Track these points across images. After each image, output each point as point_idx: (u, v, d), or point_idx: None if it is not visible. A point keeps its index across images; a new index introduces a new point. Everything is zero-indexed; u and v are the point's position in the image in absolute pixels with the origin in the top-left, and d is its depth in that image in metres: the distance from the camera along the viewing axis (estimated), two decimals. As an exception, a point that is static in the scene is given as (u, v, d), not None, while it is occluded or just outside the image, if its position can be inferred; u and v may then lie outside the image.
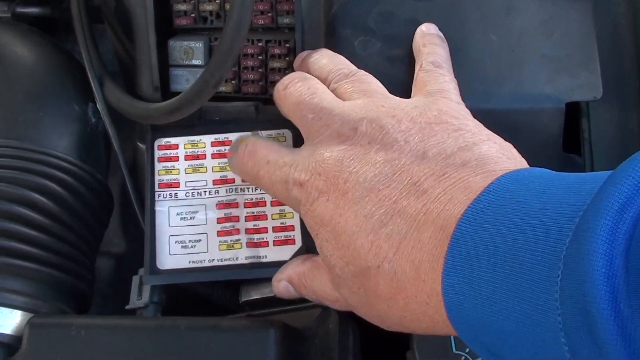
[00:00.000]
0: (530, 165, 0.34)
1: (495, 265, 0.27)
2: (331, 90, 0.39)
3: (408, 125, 0.34)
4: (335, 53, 0.41)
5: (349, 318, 0.39)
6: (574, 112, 0.42)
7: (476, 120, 0.36)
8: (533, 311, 0.25)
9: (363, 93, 0.37)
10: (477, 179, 0.30)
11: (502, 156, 0.33)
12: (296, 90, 0.38)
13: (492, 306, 0.27)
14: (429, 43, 0.40)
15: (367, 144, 0.34)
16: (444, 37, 0.41)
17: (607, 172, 0.25)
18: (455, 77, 0.40)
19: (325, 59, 0.40)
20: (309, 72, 0.41)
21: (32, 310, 0.39)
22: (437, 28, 0.41)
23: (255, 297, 0.41)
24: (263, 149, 0.38)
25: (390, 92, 0.38)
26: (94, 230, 0.44)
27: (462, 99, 0.38)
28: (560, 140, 0.41)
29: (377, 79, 0.39)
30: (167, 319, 0.39)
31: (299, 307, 0.40)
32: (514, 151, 0.34)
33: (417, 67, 0.40)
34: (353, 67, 0.40)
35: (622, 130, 0.43)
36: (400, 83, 0.41)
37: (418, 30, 0.41)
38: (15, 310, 0.38)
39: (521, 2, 0.41)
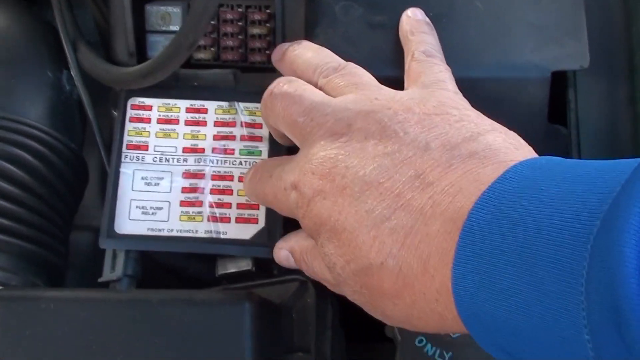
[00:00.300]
0: None
1: (513, 257, 0.25)
2: (321, 86, 0.37)
3: (406, 117, 0.33)
4: (319, 46, 0.39)
5: (328, 292, 0.38)
6: (560, 81, 0.41)
7: (477, 111, 0.34)
8: (553, 306, 0.23)
9: (355, 86, 0.36)
10: (487, 171, 0.29)
11: (509, 146, 0.31)
12: (282, 93, 0.36)
13: (508, 300, 0.25)
14: (417, 31, 0.39)
15: (363, 139, 0.32)
16: (431, 24, 0.40)
17: (635, 159, 0.24)
18: (440, 46, 0.38)
19: (310, 52, 0.39)
20: (292, 67, 0.39)
21: (2, 283, 0.38)
22: (423, 13, 0.40)
23: (232, 271, 0.40)
24: (267, 167, 0.37)
25: (372, 60, 0.37)
26: (67, 202, 0.43)
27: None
28: (546, 110, 0.40)
29: (359, 45, 0.38)
30: (139, 291, 0.38)
31: (277, 281, 0.39)
32: (521, 140, 0.33)
33: (407, 57, 0.38)
34: (341, 60, 0.38)
35: (609, 100, 0.42)
36: (382, 50, 0.40)
37: (403, 16, 0.40)
38: (-16, 283, 0.37)
39: (508, -32, 0.40)
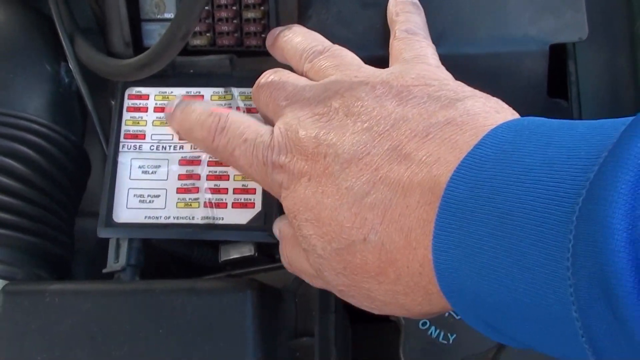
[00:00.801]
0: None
1: (494, 228, 0.24)
2: (306, 70, 0.37)
3: (383, 90, 0.32)
4: (309, 30, 0.39)
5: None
6: (559, 53, 0.40)
7: (458, 81, 0.33)
8: (538, 281, 0.22)
9: (336, 67, 0.36)
10: (465, 137, 0.28)
11: (490, 110, 0.30)
12: (267, 83, 0.37)
13: (490, 275, 0.24)
14: (402, 11, 0.38)
15: (344, 117, 0.32)
16: (418, 4, 0.39)
17: (623, 119, 0.23)
18: (431, 22, 0.38)
19: (299, 36, 0.39)
20: (283, 53, 0.39)
21: (7, 278, 0.38)
22: None
23: (234, 256, 0.40)
24: (239, 125, 0.35)
25: (366, 40, 0.37)
26: (69, 194, 0.43)
27: (439, 44, 0.36)
28: (545, 84, 0.39)
29: (352, 25, 0.37)
30: (142, 282, 0.38)
31: (279, 266, 0.39)
32: (503, 104, 0.32)
33: (391, 37, 0.38)
34: (327, 43, 0.38)
35: (610, 72, 0.41)
36: (375, 29, 0.39)
37: None
38: (-11, 278, 0.38)
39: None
